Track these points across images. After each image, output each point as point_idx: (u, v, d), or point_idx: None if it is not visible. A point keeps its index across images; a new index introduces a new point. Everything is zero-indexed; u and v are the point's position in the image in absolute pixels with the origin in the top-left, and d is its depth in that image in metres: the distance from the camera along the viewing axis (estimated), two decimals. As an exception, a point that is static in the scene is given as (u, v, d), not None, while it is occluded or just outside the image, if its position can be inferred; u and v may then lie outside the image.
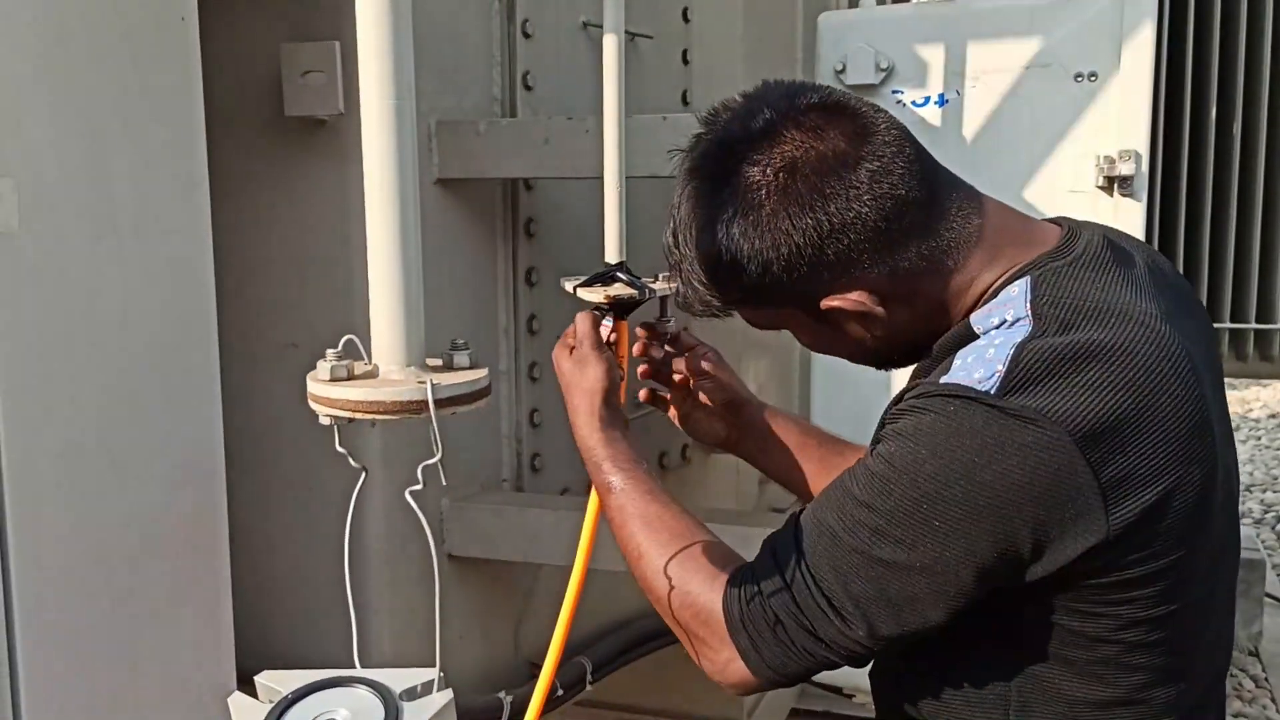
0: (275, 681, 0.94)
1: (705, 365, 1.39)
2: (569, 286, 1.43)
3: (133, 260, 1.38)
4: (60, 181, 1.29)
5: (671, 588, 1.11)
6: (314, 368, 0.95)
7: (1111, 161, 1.67)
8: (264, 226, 1.81)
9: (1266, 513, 6.45)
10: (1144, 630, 1.02)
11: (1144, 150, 1.71)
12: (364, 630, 1.92)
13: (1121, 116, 1.68)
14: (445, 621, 1.66)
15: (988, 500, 0.94)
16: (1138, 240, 1.19)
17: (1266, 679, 4.44)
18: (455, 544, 1.97)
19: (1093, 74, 1.70)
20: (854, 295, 1.05)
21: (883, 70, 1.79)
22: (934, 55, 1.79)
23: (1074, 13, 1.72)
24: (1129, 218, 1.67)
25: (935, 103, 1.77)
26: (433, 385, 0.91)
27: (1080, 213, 1.74)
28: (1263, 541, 5.80)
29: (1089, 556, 0.96)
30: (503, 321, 2.07)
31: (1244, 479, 7.11)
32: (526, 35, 2.03)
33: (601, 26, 2.26)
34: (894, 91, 1.79)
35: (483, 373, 0.97)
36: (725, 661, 1.08)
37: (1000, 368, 0.95)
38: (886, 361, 1.16)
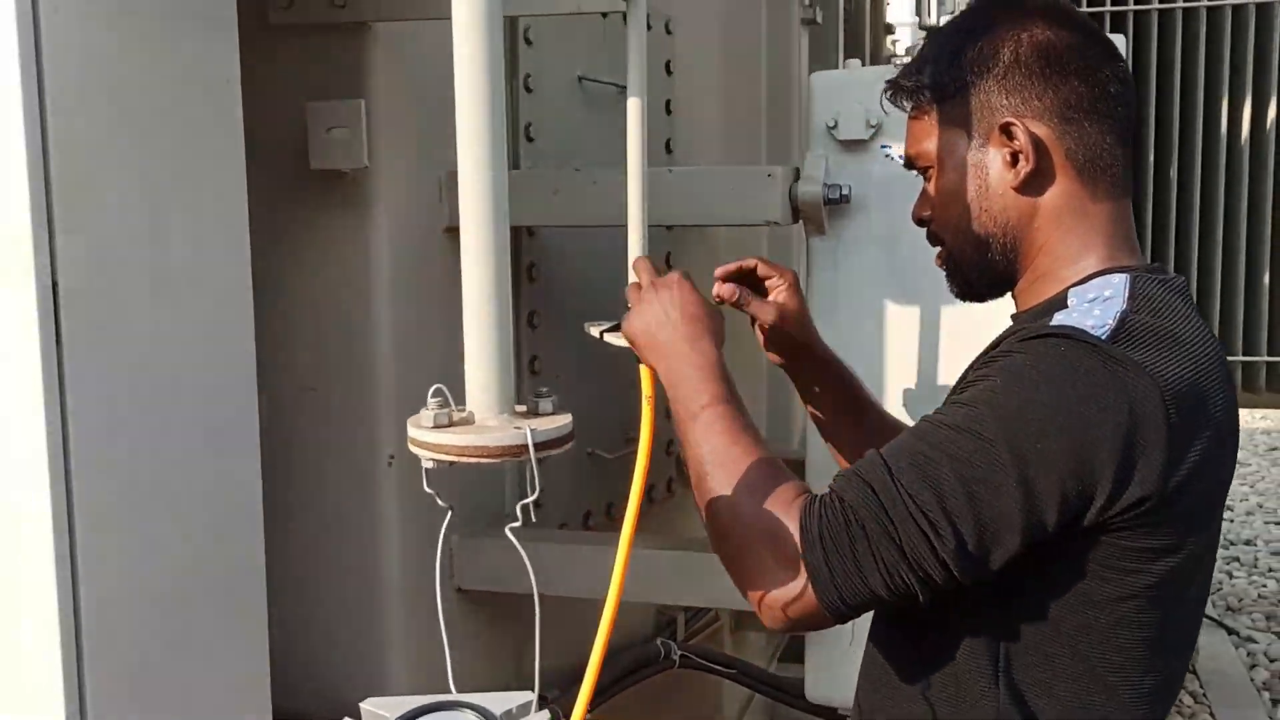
0: (381, 708, 1.01)
1: (774, 313, 1.46)
2: (595, 332, 1.52)
3: (186, 315, 1.44)
4: (123, 240, 1.35)
5: (744, 505, 1.13)
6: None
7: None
8: (286, 274, 1.88)
9: (1194, 535, 6.70)
10: (1138, 606, 1.13)
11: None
12: (380, 664, 1.98)
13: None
14: (453, 653, 1.72)
15: (1087, 433, 1.04)
16: None
17: (1205, 695, 4.63)
18: (465, 579, 2.04)
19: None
20: (1032, 127, 1.19)
21: (872, 126, 1.92)
22: (917, 112, 1.91)
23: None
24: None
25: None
26: (531, 431, 0.99)
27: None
28: (1193, 562, 6.02)
29: (1138, 509, 1.07)
30: (506, 363, 2.15)
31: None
32: (528, 90, 2.12)
33: (595, 80, 2.37)
34: (882, 146, 1.91)
35: (568, 418, 1.05)
36: (784, 582, 1.08)
37: (1110, 323, 1.10)
38: (979, 259, 1.26)
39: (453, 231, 2.01)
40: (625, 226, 1.58)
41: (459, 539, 2.04)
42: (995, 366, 1.11)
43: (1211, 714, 4.43)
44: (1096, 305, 1.13)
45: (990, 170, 1.22)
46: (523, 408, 1.07)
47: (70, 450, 1.28)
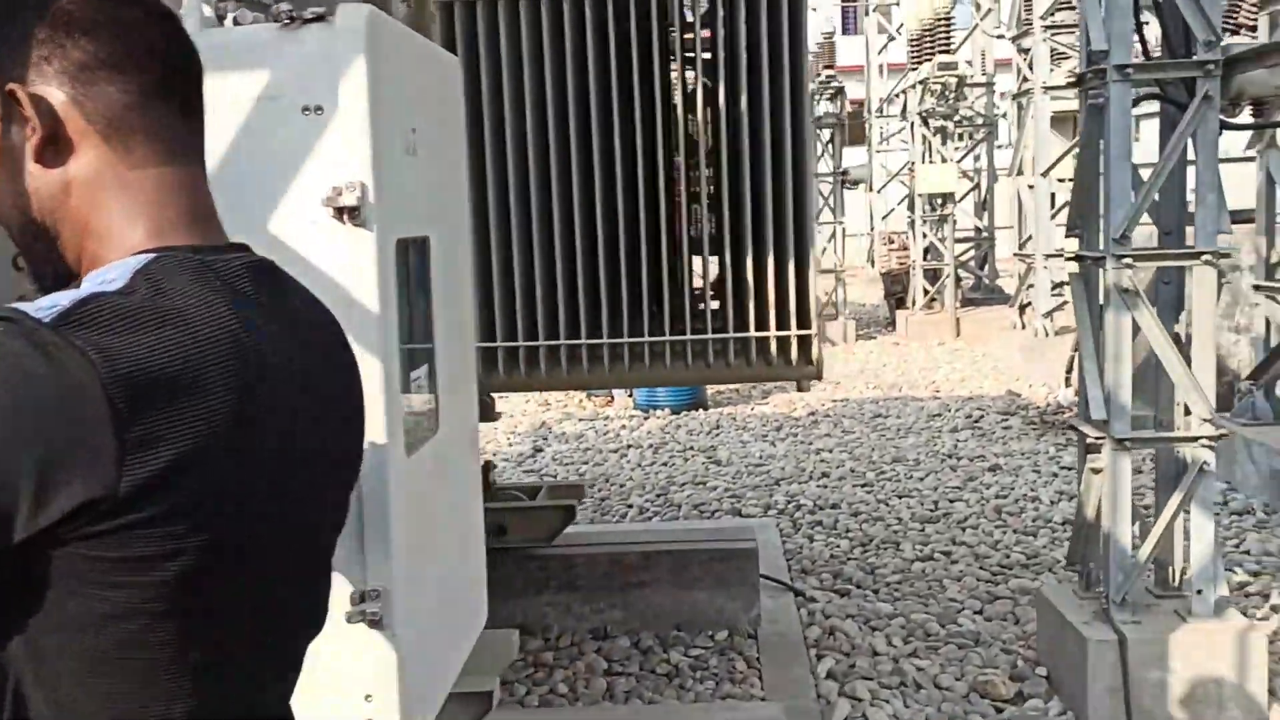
0: None
1: None
2: None
3: None
4: None
5: None
6: None
7: (338, 192, 1.71)
8: None
9: (789, 503, 7.06)
10: (145, 624, 1.01)
11: (370, 181, 1.77)
12: None
13: (344, 149, 1.72)
14: None
15: (2, 429, 0.92)
16: (302, 287, 1.24)
17: (759, 659, 4.82)
18: None
19: (318, 107, 1.73)
20: (40, 90, 1.09)
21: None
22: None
23: (294, 48, 1.75)
24: (361, 246, 1.71)
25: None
26: None
27: (320, 243, 1.78)
28: (780, 530, 6.34)
29: (93, 514, 0.95)
30: None
31: (776, 473, 7.75)
32: None
33: None
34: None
35: None
36: None
37: (66, 303, 0.98)
38: (32, 249, 1.15)
39: None
40: None
41: None
42: None
43: (760, 677, 4.60)
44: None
45: (16, 148, 1.12)
46: None
47: None
